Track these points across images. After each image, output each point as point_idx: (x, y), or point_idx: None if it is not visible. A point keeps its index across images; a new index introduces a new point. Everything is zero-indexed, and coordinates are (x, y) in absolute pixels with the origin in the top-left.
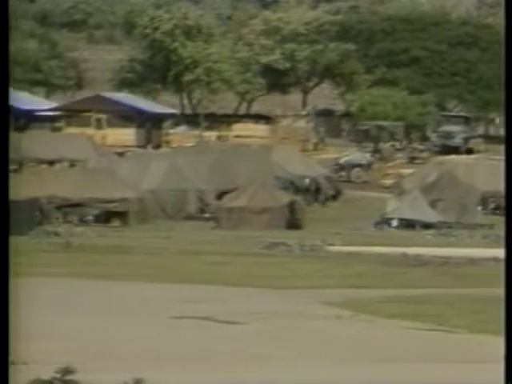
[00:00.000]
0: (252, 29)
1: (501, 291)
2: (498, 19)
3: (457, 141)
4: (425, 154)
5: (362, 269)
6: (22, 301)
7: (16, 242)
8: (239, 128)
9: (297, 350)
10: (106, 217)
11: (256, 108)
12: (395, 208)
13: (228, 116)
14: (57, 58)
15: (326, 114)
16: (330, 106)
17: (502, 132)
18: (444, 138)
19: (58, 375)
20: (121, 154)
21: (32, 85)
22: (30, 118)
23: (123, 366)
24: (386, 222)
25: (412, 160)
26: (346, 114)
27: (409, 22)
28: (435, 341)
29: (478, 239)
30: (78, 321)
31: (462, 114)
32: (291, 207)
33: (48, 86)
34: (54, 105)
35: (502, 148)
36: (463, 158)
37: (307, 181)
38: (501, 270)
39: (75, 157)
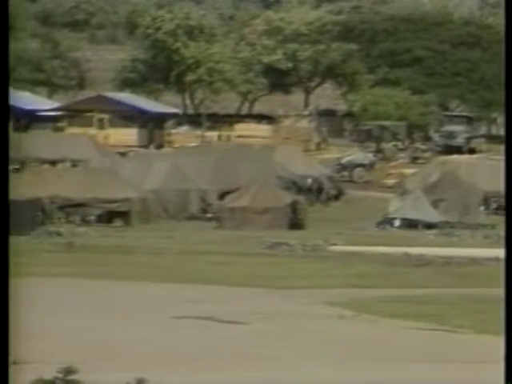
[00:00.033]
0: (254, 29)
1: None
2: (499, 19)
3: (459, 141)
4: (427, 154)
5: (365, 269)
6: (23, 301)
7: (18, 241)
8: (241, 128)
9: (299, 349)
10: (108, 217)
11: (258, 108)
12: (397, 208)
13: (230, 116)
14: (59, 57)
15: (328, 113)
16: (332, 106)
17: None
18: (446, 138)
19: (60, 375)
20: (123, 154)
21: (34, 85)
22: (32, 118)
23: (126, 366)
24: (389, 221)
25: (414, 160)
26: (348, 114)
27: (411, 22)
28: (437, 341)
29: (480, 239)
30: (81, 321)
31: (464, 113)
32: (293, 207)
33: (50, 86)
34: (56, 105)
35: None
36: (465, 157)
37: (309, 181)
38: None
39: (77, 157)
